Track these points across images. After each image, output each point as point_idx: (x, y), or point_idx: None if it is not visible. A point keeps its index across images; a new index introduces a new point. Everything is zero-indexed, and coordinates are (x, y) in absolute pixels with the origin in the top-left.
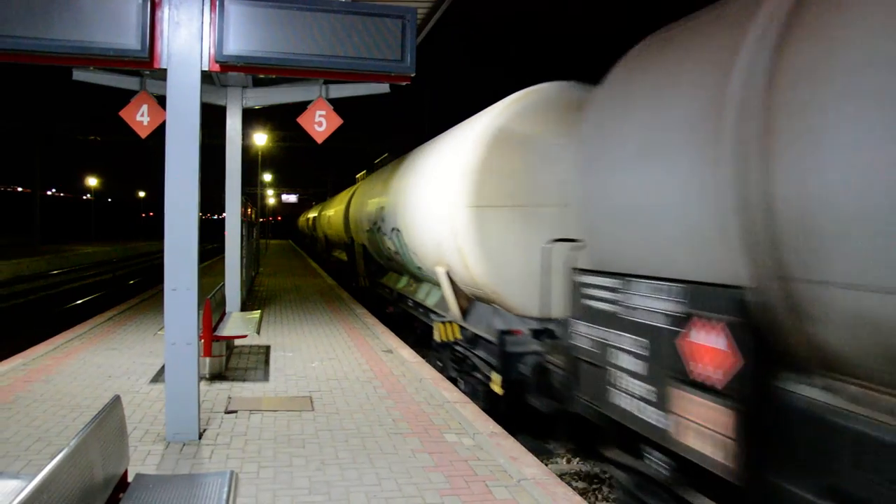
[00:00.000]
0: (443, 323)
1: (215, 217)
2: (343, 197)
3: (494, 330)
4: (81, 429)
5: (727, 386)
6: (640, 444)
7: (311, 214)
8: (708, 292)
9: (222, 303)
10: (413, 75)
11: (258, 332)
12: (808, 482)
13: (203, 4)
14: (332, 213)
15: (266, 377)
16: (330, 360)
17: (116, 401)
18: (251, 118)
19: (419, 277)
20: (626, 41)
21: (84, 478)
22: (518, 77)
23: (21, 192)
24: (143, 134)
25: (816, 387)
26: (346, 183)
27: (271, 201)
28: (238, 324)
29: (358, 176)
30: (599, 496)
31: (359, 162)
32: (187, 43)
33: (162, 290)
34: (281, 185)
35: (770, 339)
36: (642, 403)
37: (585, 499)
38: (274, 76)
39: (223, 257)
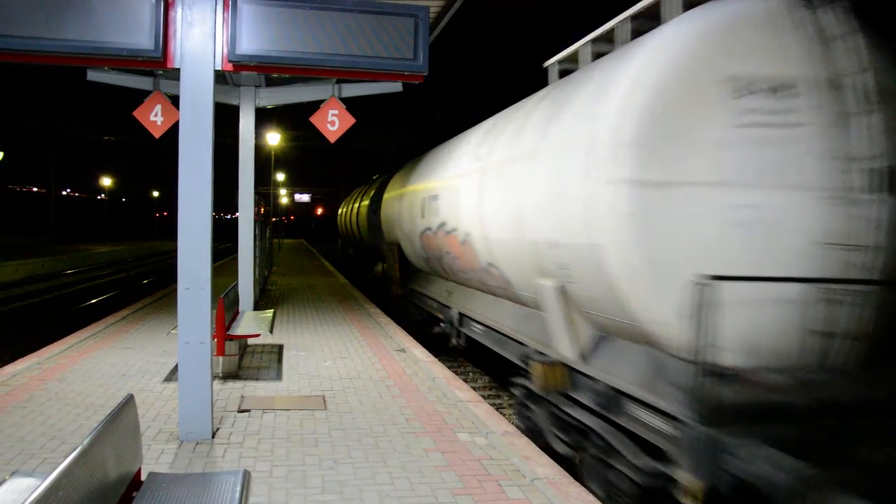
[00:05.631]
0: (545, 364)
1: (228, 216)
2: (370, 190)
3: (661, 384)
4: (95, 427)
5: None
6: None
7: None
8: None
9: (235, 302)
10: (426, 74)
11: (271, 331)
12: None
13: (216, 4)
14: (353, 209)
15: (279, 376)
16: (343, 359)
17: (130, 399)
18: (264, 118)
19: (482, 288)
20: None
21: (97, 476)
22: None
23: (36, 192)
24: (157, 134)
25: None
26: (359, 182)
27: (284, 201)
28: (251, 323)
29: (374, 177)
30: None
31: (372, 160)
32: (200, 42)
33: (175, 290)
34: (294, 185)
35: None
36: None
37: None
38: (287, 75)
39: (236, 256)
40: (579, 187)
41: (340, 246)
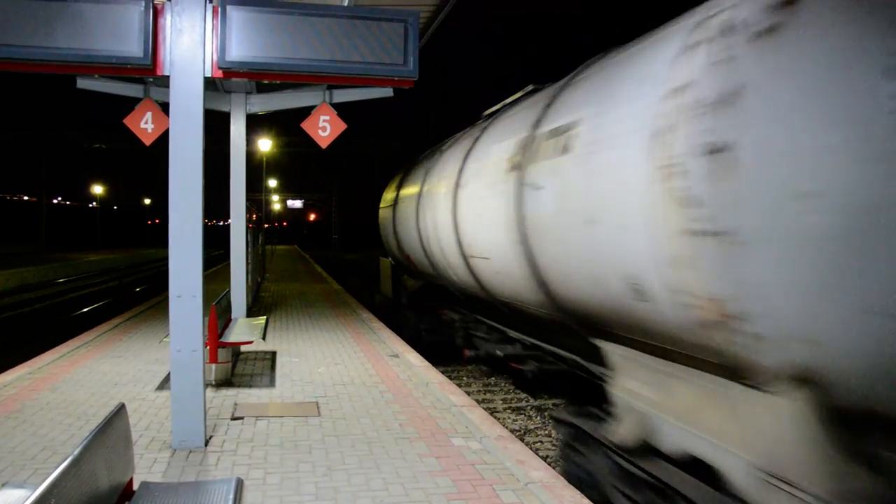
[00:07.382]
0: None
1: (220, 223)
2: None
3: None
4: (86, 437)
5: None
6: None
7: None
8: None
9: (228, 309)
10: (416, 79)
11: (264, 338)
12: None
13: (205, 11)
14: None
15: (272, 383)
16: (336, 365)
17: (121, 408)
18: (255, 124)
19: None
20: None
21: (89, 486)
22: (521, 72)
23: (27, 200)
24: (148, 141)
25: None
26: (354, 187)
27: (276, 207)
28: (244, 330)
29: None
30: None
31: (364, 166)
32: (190, 50)
33: (167, 298)
34: (286, 191)
35: None
36: None
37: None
38: (277, 82)
39: (228, 263)
40: None
41: (390, 270)
